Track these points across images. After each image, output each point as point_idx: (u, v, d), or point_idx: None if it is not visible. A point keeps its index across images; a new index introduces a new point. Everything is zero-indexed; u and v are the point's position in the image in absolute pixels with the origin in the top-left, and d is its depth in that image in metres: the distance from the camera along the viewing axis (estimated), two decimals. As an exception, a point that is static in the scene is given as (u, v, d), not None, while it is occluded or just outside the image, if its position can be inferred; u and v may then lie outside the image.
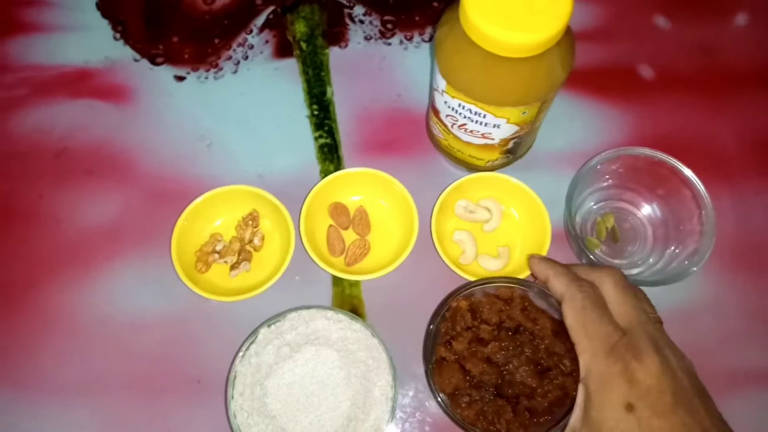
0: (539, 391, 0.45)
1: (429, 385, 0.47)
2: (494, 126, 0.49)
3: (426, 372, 0.47)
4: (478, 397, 0.46)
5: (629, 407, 0.38)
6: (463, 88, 0.47)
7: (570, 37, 0.46)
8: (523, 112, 0.48)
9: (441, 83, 0.49)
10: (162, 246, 0.56)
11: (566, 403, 0.44)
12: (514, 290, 0.49)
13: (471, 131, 0.51)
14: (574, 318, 0.42)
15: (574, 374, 0.45)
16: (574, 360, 0.43)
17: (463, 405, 0.46)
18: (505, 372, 0.46)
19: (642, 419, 0.38)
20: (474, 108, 0.48)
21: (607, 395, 0.39)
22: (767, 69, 0.66)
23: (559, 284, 0.44)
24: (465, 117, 0.50)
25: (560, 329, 0.46)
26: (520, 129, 0.50)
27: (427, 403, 0.53)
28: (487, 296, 0.49)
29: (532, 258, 0.49)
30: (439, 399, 0.46)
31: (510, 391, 0.46)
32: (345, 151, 0.62)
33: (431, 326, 0.48)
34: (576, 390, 0.42)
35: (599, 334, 0.41)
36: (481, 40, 0.42)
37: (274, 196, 0.56)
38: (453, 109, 0.50)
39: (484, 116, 0.48)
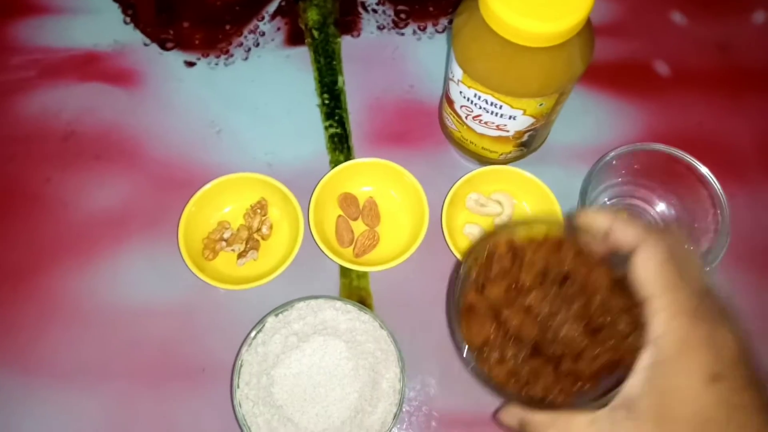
0: (588, 352, 0.37)
1: (453, 337, 0.42)
2: (510, 117, 0.49)
3: (450, 321, 0.42)
4: (511, 353, 0.38)
5: (715, 378, 0.33)
6: (480, 78, 0.46)
7: (590, 28, 0.45)
8: (540, 104, 0.47)
9: (457, 72, 0.48)
10: (169, 233, 0.55)
11: (616, 371, 0.37)
12: (565, 234, 0.40)
13: (486, 122, 0.50)
14: (654, 270, 0.35)
15: (631, 337, 0.37)
16: (633, 321, 0.37)
17: (492, 362, 0.38)
18: (548, 327, 0.38)
19: (723, 392, 0.33)
20: (490, 98, 0.47)
21: (687, 362, 0.34)
22: (784, 68, 0.65)
23: (631, 231, 0.37)
24: (480, 108, 0.49)
25: (619, 284, 0.38)
26: (536, 121, 0.50)
27: (434, 399, 0.52)
28: (531, 239, 0.40)
29: (584, 211, 0.40)
30: (465, 354, 0.39)
31: (552, 349, 0.38)
32: (355, 141, 0.61)
33: (461, 268, 0.40)
34: (632, 356, 0.36)
35: (683, 292, 0.35)
36: (500, 29, 0.42)
37: (284, 185, 0.55)
38: (468, 99, 0.49)
39: (501, 107, 0.47)
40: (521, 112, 0.48)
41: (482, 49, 0.44)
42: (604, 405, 0.36)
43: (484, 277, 0.40)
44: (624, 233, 0.37)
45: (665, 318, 0.35)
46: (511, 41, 0.42)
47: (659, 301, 0.35)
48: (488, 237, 0.41)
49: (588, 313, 0.38)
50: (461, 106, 0.51)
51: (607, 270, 0.38)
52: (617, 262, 0.38)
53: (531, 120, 0.49)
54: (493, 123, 0.50)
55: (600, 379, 0.37)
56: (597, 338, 0.38)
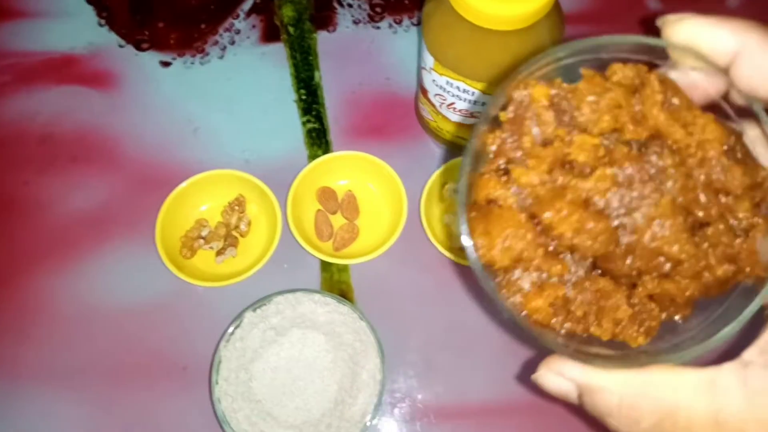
0: (688, 264, 0.24)
1: (466, 250, 0.26)
2: (483, 104, 0.48)
3: (461, 227, 0.26)
4: (558, 274, 0.26)
5: None
6: (451, 65, 0.46)
7: (558, 11, 0.45)
8: (512, 89, 0.47)
9: (429, 61, 0.48)
10: (147, 232, 0.55)
11: (732, 292, 0.25)
12: (644, 69, 0.26)
13: (460, 110, 0.50)
14: None
15: (756, 229, 0.25)
16: (759, 211, 0.25)
17: (528, 289, 0.26)
18: (624, 232, 0.25)
19: None
20: (462, 85, 0.47)
21: None
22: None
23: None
24: (453, 95, 0.49)
25: (735, 154, 0.25)
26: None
27: (416, 390, 0.52)
28: (588, 80, 0.25)
29: (682, 18, 0.24)
30: (481, 277, 0.25)
31: (629, 264, 0.25)
32: (333, 135, 0.61)
33: (473, 140, 0.26)
34: (759, 267, 0.24)
35: None
36: (468, 13, 0.42)
37: (261, 181, 0.55)
38: (441, 87, 0.49)
39: (473, 93, 0.47)
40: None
41: (452, 35, 0.44)
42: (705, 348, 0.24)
43: (509, 152, 0.26)
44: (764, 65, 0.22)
45: None
46: (480, 26, 0.42)
47: None
48: (512, 78, 0.26)
49: (690, 198, 0.25)
50: (435, 95, 0.51)
51: (718, 127, 0.25)
52: (733, 119, 0.25)
53: (504, 106, 0.49)
54: (467, 110, 0.50)
55: (703, 309, 0.26)
56: (701, 240, 0.25)
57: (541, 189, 0.25)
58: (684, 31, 0.24)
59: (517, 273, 0.26)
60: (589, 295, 0.26)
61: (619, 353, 0.25)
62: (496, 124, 0.27)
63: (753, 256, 0.24)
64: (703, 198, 0.24)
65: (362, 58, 0.64)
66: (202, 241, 0.54)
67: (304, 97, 0.62)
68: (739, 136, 0.25)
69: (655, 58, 0.26)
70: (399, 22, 0.66)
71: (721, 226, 0.24)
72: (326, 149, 0.60)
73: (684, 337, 0.25)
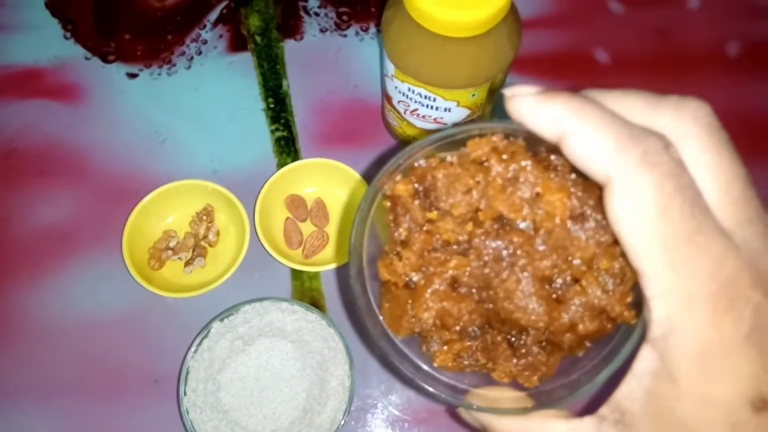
0: (554, 327, 0.27)
1: (369, 330, 0.29)
2: (445, 110, 0.49)
3: (361, 307, 0.29)
4: (453, 337, 0.29)
5: (760, 405, 0.22)
6: (411, 72, 0.46)
7: (515, 15, 0.46)
8: (473, 95, 0.47)
9: (390, 68, 0.48)
10: (115, 245, 0.54)
11: (607, 335, 0.27)
12: (497, 142, 0.27)
13: (423, 116, 0.51)
14: (640, 225, 0.22)
15: (624, 282, 0.26)
16: (610, 268, 0.26)
17: (436, 348, 0.30)
18: (489, 303, 0.28)
19: None
20: (423, 92, 0.47)
21: (716, 383, 0.22)
22: (721, 50, 0.66)
23: (600, 145, 0.23)
24: (416, 102, 0.49)
25: (591, 199, 0.26)
26: (471, 113, 0.50)
27: (389, 395, 0.52)
28: (444, 166, 0.28)
29: (521, 92, 0.24)
30: (394, 351, 0.29)
31: (504, 329, 0.28)
32: (302, 143, 0.61)
33: (353, 236, 0.29)
34: (627, 317, 0.26)
35: (699, 260, 0.22)
36: (425, 21, 0.42)
37: (229, 191, 0.55)
38: (404, 94, 0.49)
39: (434, 100, 0.48)
40: (455, 103, 0.48)
41: (410, 42, 0.45)
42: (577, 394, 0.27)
43: (393, 241, 0.29)
44: (585, 145, 0.23)
45: (671, 307, 0.22)
46: (437, 33, 0.42)
47: (660, 282, 0.22)
48: (383, 175, 0.29)
49: (545, 267, 0.27)
50: (398, 102, 0.51)
51: (561, 197, 0.26)
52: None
53: (467, 111, 0.49)
54: (430, 116, 0.50)
55: (582, 352, 0.28)
56: (567, 303, 0.27)
57: (415, 276, 0.28)
58: (516, 110, 0.24)
59: (428, 339, 0.29)
60: (485, 346, 0.29)
61: (522, 395, 0.28)
62: (368, 215, 0.30)
63: (622, 305, 0.26)
64: (559, 263, 0.26)
65: (329, 66, 0.64)
66: (170, 252, 0.54)
67: (272, 105, 0.62)
68: (593, 191, 0.26)
69: (511, 129, 0.27)
70: (366, 30, 0.66)
71: (592, 281, 0.26)
72: (295, 157, 0.60)
73: (581, 372, 0.28)
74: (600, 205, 0.26)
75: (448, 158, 0.28)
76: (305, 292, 0.55)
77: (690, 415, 0.23)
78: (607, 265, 0.26)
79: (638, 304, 0.25)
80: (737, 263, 0.22)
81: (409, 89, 0.48)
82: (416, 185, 0.28)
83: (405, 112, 0.52)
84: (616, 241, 0.25)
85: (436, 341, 0.29)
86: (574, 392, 0.27)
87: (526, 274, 0.27)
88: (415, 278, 0.28)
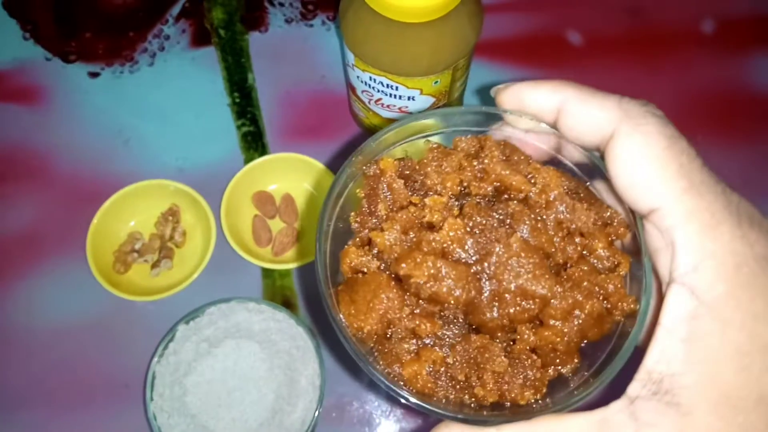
0: (557, 305, 0.24)
1: (335, 326, 0.26)
2: (409, 98, 0.48)
3: (324, 301, 0.26)
4: (431, 336, 0.25)
5: None
6: (371, 60, 0.45)
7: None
8: (435, 82, 0.46)
9: (350, 57, 0.47)
10: (80, 249, 0.53)
11: (609, 331, 0.25)
12: (484, 136, 0.28)
13: (388, 106, 0.50)
14: (657, 159, 0.22)
15: (620, 267, 0.25)
16: (613, 245, 0.25)
17: (406, 357, 0.25)
18: (483, 277, 0.25)
19: None
20: (385, 80, 0.46)
21: (762, 304, 0.21)
22: (696, 28, 0.65)
23: (602, 103, 0.24)
24: (379, 91, 0.48)
25: (580, 189, 0.26)
26: (436, 100, 0.49)
27: (363, 393, 0.51)
28: (432, 149, 0.27)
29: (509, 86, 0.26)
30: (355, 352, 0.25)
31: (498, 314, 0.24)
32: (270, 138, 0.60)
33: (324, 215, 0.27)
34: (627, 303, 0.24)
35: (714, 183, 0.22)
36: (380, 7, 0.41)
37: (195, 190, 0.53)
38: (366, 83, 0.48)
39: (397, 88, 0.46)
40: (418, 92, 0.47)
41: (367, 30, 0.43)
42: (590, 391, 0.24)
43: (368, 223, 0.27)
44: (588, 114, 0.24)
45: (697, 234, 0.21)
46: (394, 19, 0.41)
47: (682, 206, 0.22)
48: (359, 158, 0.27)
49: (543, 240, 0.25)
50: (362, 91, 0.50)
51: (556, 172, 0.26)
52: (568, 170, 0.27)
53: (431, 99, 0.48)
54: (395, 106, 0.49)
55: (580, 352, 0.25)
56: (566, 280, 0.25)
57: (397, 248, 0.26)
58: (511, 96, 0.26)
59: (392, 341, 0.26)
60: (467, 354, 0.25)
61: (510, 416, 0.25)
62: (348, 197, 0.28)
63: (620, 290, 0.25)
64: (558, 239, 0.25)
65: (296, 58, 0.63)
66: (136, 254, 0.53)
67: (237, 100, 0.61)
68: (579, 182, 0.27)
69: (493, 120, 0.28)
70: (332, 19, 0.65)
71: (584, 266, 0.25)
72: (263, 152, 0.59)
73: (572, 388, 0.25)
74: (590, 193, 0.27)
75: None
76: (277, 290, 0.54)
77: (750, 338, 0.21)
78: (603, 246, 0.26)
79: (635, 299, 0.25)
80: (739, 202, 0.23)
81: (371, 78, 0.47)
82: (402, 167, 0.28)
83: (369, 102, 0.51)
84: (608, 223, 0.26)
85: (404, 350, 0.25)
86: (561, 405, 0.24)
87: (529, 239, 0.25)
88: (398, 250, 0.25)
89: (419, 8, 0.40)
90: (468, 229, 0.25)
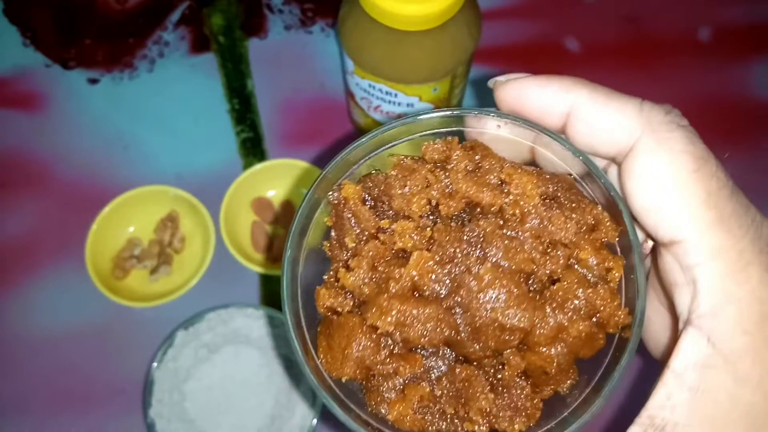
0: (540, 332, 0.23)
1: (307, 376, 0.24)
2: (408, 105, 0.48)
3: (294, 349, 0.25)
4: (411, 373, 0.24)
5: None
6: (370, 68, 0.45)
7: (473, 4, 0.45)
8: (434, 89, 0.46)
9: (349, 64, 0.47)
10: (79, 255, 0.53)
11: (603, 344, 0.24)
12: (454, 141, 0.25)
13: (386, 112, 0.50)
14: (678, 181, 0.20)
15: (609, 279, 0.23)
16: (602, 252, 0.23)
17: (391, 395, 0.24)
18: (457, 312, 0.23)
19: None
20: (384, 87, 0.46)
21: None
22: (692, 35, 0.65)
23: (620, 109, 0.21)
24: (378, 98, 0.48)
25: (561, 187, 0.24)
26: (435, 108, 0.49)
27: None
28: (398, 165, 0.25)
29: (515, 76, 0.24)
30: (328, 401, 0.24)
31: (479, 347, 0.23)
32: (269, 144, 0.60)
33: (288, 254, 0.25)
34: (620, 317, 0.23)
35: (745, 214, 0.20)
36: (379, 15, 0.41)
37: (194, 196, 0.54)
38: (365, 90, 0.48)
39: (396, 95, 0.47)
40: (417, 99, 0.47)
41: (367, 38, 0.44)
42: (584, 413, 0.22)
43: (339, 255, 0.25)
44: (604, 121, 0.21)
45: (721, 276, 0.19)
46: (393, 27, 0.41)
47: (707, 242, 0.19)
48: (323, 180, 0.25)
49: (521, 259, 0.23)
50: (361, 98, 0.50)
51: (531, 178, 0.23)
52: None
53: (430, 107, 0.48)
54: (393, 112, 0.49)
55: (572, 375, 0.24)
56: (549, 299, 0.23)
57: (366, 287, 0.24)
58: (512, 93, 0.23)
59: (375, 382, 0.24)
60: (453, 388, 0.24)
61: None
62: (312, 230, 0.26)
63: (613, 302, 0.23)
64: (537, 254, 0.23)
65: (295, 64, 0.63)
66: (134, 260, 0.53)
67: (237, 106, 0.61)
68: (561, 178, 0.24)
69: (465, 125, 0.25)
70: (331, 26, 0.65)
71: (573, 278, 0.23)
72: (261, 158, 0.59)
73: (572, 407, 0.24)
74: (572, 191, 0.23)
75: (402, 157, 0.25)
76: (275, 297, 0.54)
77: (766, 399, 0.19)
78: (589, 255, 0.23)
79: (629, 311, 0.23)
80: None
81: (370, 85, 0.47)
82: (364, 194, 0.25)
83: (368, 109, 0.51)
84: (595, 227, 0.23)
85: (388, 389, 0.24)
86: (564, 429, 0.23)
87: (503, 264, 0.23)
88: (367, 290, 0.24)
89: (418, 17, 0.40)
90: (438, 258, 0.23)
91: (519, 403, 0.24)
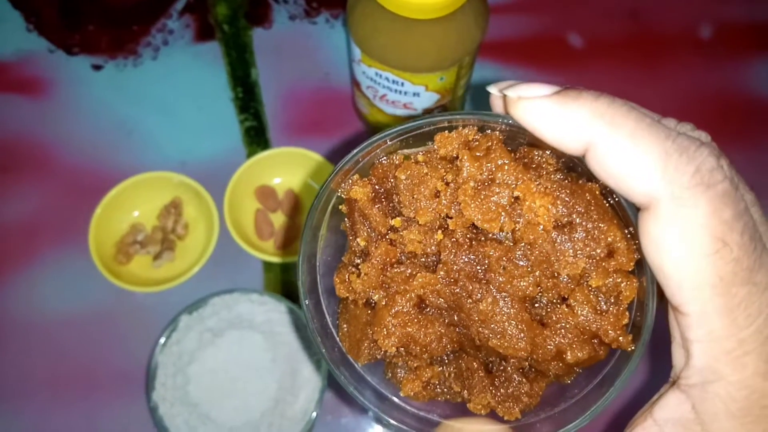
0: (541, 354, 0.23)
1: (323, 358, 0.26)
2: (414, 94, 0.48)
3: (313, 329, 0.26)
4: (419, 364, 0.26)
5: None
6: (377, 55, 0.45)
7: (481, -2, 0.45)
8: (440, 78, 0.47)
9: (356, 52, 0.47)
10: (82, 240, 0.53)
11: (605, 356, 0.24)
12: (471, 134, 0.24)
13: (392, 102, 0.50)
14: (692, 259, 0.19)
15: (621, 300, 0.23)
16: (605, 272, 0.23)
17: (401, 374, 0.26)
18: (460, 329, 0.24)
19: None
20: (391, 76, 0.47)
21: None
22: (693, 32, 0.66)
23: (641, 159, 0.19)
24: (384, 87, 0.48)
25: (577, 206, 0.23)
26: (441, 97, 0.49)
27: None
28: (408, 166, 0.24)
29: (531, 93, 0.21)
30: (346, 380, 0.26)
31: (483, 354, 0.25)
32: (272, 133, 0.60)
33: (303, 244, 0.26)
34: (624, 342, 0.23)
35: (756, 303, 0.19)
36: (388, 3, 0.41)
37: (198, 182, 0.54)
38: (371, 79, 0.48)
39: (402, 84, 0.47)
40: (423, 88, 0.47)
41: (375, 25, 0.44)
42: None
43: (355, 249, 0.26)
44: (624, 167, 0.19)
45: (721, 356, 0.19)
46: (401, 15, 0.41)
47: (709, 326, 0.19)
48: (337, 175, 0.25)
49: (523, 287, 0.23)
50: (367, 87, 0.50)
51: (545, 202, 0.22)
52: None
53: (436, 96, 0.49)
54: (399, 102, 0.50)
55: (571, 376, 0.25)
56: (554, 324, 0.23)
57: (375, 295, 0.24)
58: (526, 115, 0.21)
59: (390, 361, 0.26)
60: (460, 373, 0.25)
61: (502, 428, 0.25)
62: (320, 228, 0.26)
63: (616, 328, 0.23)
64: (543, 280, 0.23)
65: (300, 54, 0.63)
66: (138, 246, 0.53)
67: (241, 95, 0.61)
68: (584, 194, 0.22)
69: (492, 120, 0.24)
70: (336, 17, 0.65)
71: (581, 299, 0.23)
72: (265, 147, 0.59)
73: (571, 402, 0.24)
74: (590, 212, 0.22)
75: (414, 156, 0.25)
76: (278, 283, 0.54)
77: None
78: (598, 282, 0.22)
79: (635, 326, 0.23)
80: None
81: (376, 74, 0.47)
82: (376, 187, 0.25)
83: (374, 98, 0.51)
84: (609, 254, 0.22)
85: (402, 367, 0.26)
86: (561, 428, 0.24)
87: (504, 294, 0.23)
88: (375, 297, 0.24)
89: (427, 5, 0.41)
90: (442, 278, 0.23)
91: (517, 394, 0.25)
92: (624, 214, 0.23)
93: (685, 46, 0.65)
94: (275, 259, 0.52)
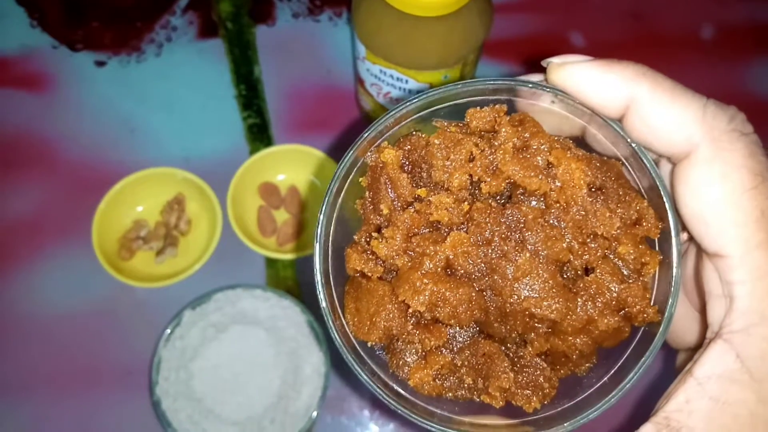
0: (569, 322, 0.23)
1: (333, 335, 0.25)
2: (418, 93, 0.48)
3: (325, 309, 0.25)
4: (434, 345, 0.25)
5: None
6: (382, 53, 0.46)
7: (486, -4, 0.45)
8: (444, 76, 0.47)
9: (361, 49, 0.47)
10: (85, 236, 0.53)
11: (628, 336, 0.24)
12: (501, 110, 0.24)
13: (396, 99, 0.50)
14: (731, 197, 0.20)
15: (644, 274, 0.23)
16: (640, 248, 0.23)
17: (413, 361, 0.25)
18: (488, 294, 0.23)
19: None
20: (395, 73, 0.47)
21: None
22: (695, 33, 0.66)
23: (682, 110, 0.21)
24: (388, 84, 0.49)
25: (609, 176, 0.23)
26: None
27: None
28: (443, 132, 0.25)
29: (574, 59, 0.23)
30: (352, 358, 0.24)
31: (506, 330, 0.24)
32: (275, 130, 0.60)
33: (323, 212, 0.25)
34: (649, 314, 0.23)
35: None
36: (394, 0, 0.41)
37: (201, 179, 0.54)
38: (375, 76, 0.49)
39: (406, 81, 0.47)
40: (427, 85, 0.47)
41: (380, 22, 0.44)
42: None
43: (372, 219, 0.25)
44: (664, 122, 0.20)
45: (760, 299, 0.19)
46: (407, 12, 0.42)
47: (752, 262, 0.19)
48: (363, 141, 0.25)
49: (556, 250, 0.23)
50: (371, 84, 0.50)
51: (580, 166, 0.23)
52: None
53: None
54: (402, 100, 0.50)
55: (605, 356, 0.24)
56: (582, 290, 0.23)
57: (399, 260, 0.24)
58: (569, 78, 0.22)
59: (396, 347, 0.25)
60: (475, 360, 0.24)
61: (516, 423, 0.24)
62: (349, 190, 0.26)
63: (644, 298, 0.23)
64: (577, 243, 0.23)
65: (303, 52, 0.64)
66: (141, 241, 0.53)
67: (244, 92, 0.61)
68: (612, 167, 0.23)
69: (516, 95, 0.25)
70: (339, 15, 0.65)
71: (607, 269, 0.23)
72: (268, 144, 0.59)
73: (588, 392, 0.24)
74: (620, 180, 0.23)
75: (447, 125, 0.25)
76: (280, 280, 0.54)
77: None
78: (627, 250, 0.23)
79: (659, 309, 0.23)
80: None
81: (380, 71, 0.47)
82: (402, 160, 0.24)
83: (378, 96, 0.51)
84: (638, 221, 0.23)
85: (411, 353, 0.24)
86: (577, 417, 0.23)
87: (541, 253, 0.22)
88: (399, 262, 0.24)
89: (432, 2, 0.41)
90: (475, 239, 0.23)
91: (537, 382, 0.24)
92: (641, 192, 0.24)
93: (687, 46, 0.66)
94: (278, 256, 0.52)
